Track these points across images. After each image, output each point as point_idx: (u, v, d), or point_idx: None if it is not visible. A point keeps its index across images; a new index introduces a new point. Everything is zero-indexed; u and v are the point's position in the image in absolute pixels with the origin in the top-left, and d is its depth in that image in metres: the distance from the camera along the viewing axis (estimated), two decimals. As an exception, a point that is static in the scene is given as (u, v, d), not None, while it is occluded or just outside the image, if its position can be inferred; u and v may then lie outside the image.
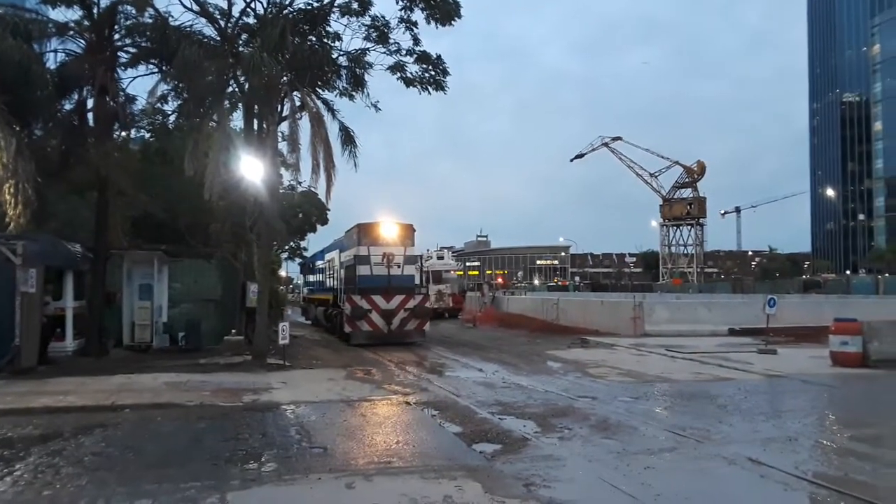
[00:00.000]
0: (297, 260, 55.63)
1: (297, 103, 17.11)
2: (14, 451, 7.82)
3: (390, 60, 19.54)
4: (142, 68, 18.28)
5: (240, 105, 19.45)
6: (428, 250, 56.82)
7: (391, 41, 19.41)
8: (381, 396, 11.90)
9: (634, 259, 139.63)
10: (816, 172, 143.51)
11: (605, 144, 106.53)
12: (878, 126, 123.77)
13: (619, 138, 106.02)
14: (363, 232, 21.91)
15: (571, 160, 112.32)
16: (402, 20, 19.08)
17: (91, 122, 17.77)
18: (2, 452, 7.73)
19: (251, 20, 19.37)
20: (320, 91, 18.92)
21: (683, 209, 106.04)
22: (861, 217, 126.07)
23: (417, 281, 22.48)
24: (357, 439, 8.60)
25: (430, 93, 19.92)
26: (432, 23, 18.56)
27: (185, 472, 6.90)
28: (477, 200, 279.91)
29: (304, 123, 16.80)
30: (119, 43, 17.84)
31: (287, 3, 18.87)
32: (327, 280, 27.93)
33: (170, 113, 20.93)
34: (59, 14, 17.45)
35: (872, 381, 13.68)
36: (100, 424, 9.26)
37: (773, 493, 6.48)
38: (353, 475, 6.81)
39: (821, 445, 8.38)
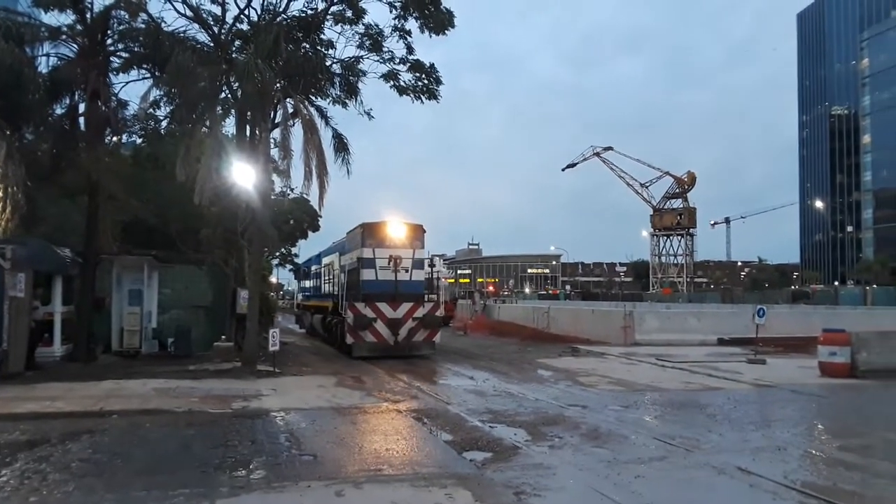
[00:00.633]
0: (288, 266, 55.63)
1: (290, 110, 17.14)
2: (0, 456, 7.75)
3: (384, 69, 19.63)
4: (134, 73, 18.29)
5: (232, 111, 19.45)
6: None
7: (385, 49, 19.51)
8: (372, 404, 11.86)
9: (625, 268, 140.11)
10: (805, 184, 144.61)
11: (597, 154, 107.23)
12: (866, 139, 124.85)
13: (610, 148, 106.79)
14: (368, 232, 19.91)
15: (563, 170, 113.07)
16: (395, 29, 19.18)
17: (83, 127, 17.75)
18: (-12, 458, 7.65)
19: (245, 26, 19.43)
20: (313, 98, 18.96)
21: (673, 219, 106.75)
22: (849, 229, 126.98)
23: (427, 287, 20.56)
24: (347, 447, 8.57)
25: (422, 101, 19.99)
26: (426, 32, 18.65)
27: (174, 479, 6.85)
28: (468, 208, 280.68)
29: (297, 130, 16.83)
30: (112, 48, 17.81)
31: (281, 10, 18.95)
32: (325, 285, 26.09)
33: (162, 118, 20.94)
34: (52, 18, 17.44)
35: (861, 392, 13.76)
36: (87, 430, 9.18)
37: (762, 503, 6.49)
38: (342, 483, 6.78)
39: (809, 455, 8.42)
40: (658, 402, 12.51)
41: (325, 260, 26.56)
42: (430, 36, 18.80)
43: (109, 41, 17.73)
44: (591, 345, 22.79)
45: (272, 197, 22.77)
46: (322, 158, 16.52)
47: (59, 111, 17.79)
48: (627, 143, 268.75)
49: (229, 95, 18.79)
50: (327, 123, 18.39)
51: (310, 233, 45.54)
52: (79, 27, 17.40)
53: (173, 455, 8.06)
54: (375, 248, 19.61)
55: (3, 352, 13.44)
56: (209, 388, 13.07)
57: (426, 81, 19.65)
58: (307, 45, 19.25)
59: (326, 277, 25.62)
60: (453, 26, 18.77)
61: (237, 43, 19.83)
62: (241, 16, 19.23)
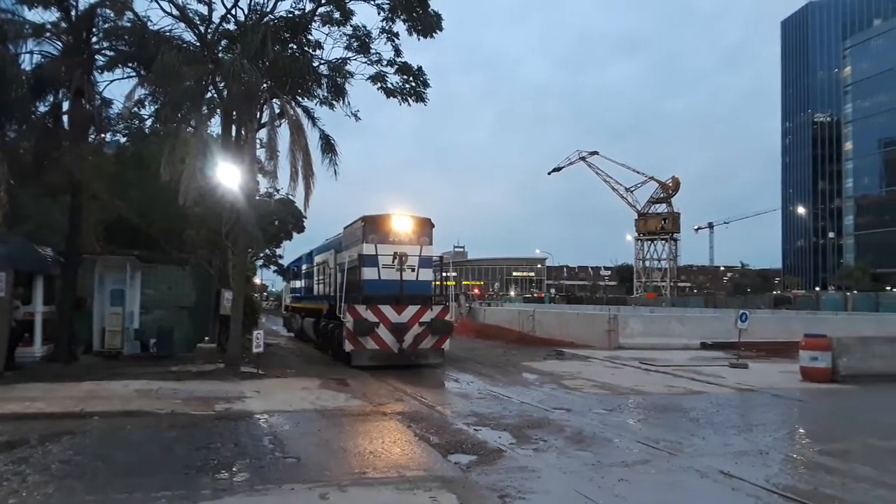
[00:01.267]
0: (273, 268, 55.43)
1: (277, 111, 17.05)
2: (-21, 458, 7.64)
3: (371, 70, 19.61)
4: (119, 72, 18.10)
5: (218, 111, 19.36)
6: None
7: (372, 51, 19.49)
8: (356, 406, 11.81)
9: (609, 272, 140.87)
10: (788, 190, 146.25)
11: (583, 159, 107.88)
12: (848, 146, 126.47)
13: (595, 153, 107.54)
14: (370, 226, 17.92)
15: (549, 173, 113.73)
16: (383, 31, 19.16)
17: (66, 125, 17.55)
18: (-34, 460, 7.54)
19: (231, 26, 19.37)
20: (300, 99, 18.87)
21: (658, 224, 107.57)
22: (831, 235, 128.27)
23: (436, 288, 18.97)
24: (331, 450, 8.53)
25: (409, 104, 20.00)
26: (414, 34, 18.65)
27: (156, 481, 6.79)
28: (455, 211, 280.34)
29: (283, 131, 16.75)
30: (97, 46, 17.66)
31: (268, 10, 18.89)
32: (318, 286, 23.88)
33: (146, 117, 20.79)
34: (36, 15, 17.24)
35: (841, 397, 13.90)
36: (68, 432, 9.08)
37: (744, 506, 6.54)
38: (327, 486, 6.74)
39: (791, 459, 8.49)
40: (642, 405, 12.58)
41: (318, 258, 24.52)
42: (419, 38, 18.83)
43: (94, 39, 17.58)
44: (576, 348, 22.87)
45: (257, 198, 22.65)
46: (308, 159, 16.46)
47: (42, 109, 17.56)
48: (617, 148, 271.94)
49: (215, 95, 18.69)
50: (314, 124, 18.32)
51: (294, 234, 45.54)
52: (63, 25, 17.23)
53: (155, 457, 7.99)
54: (378, 243, 17.70)
55: (-18, 352, 13.26)
56: (192, 389, 12.97)
57: (414, 84, 19.65)
58: (294, 46, 19.19)
59: (320, 277, 23.71)
60: (441, 29, 18.79)
61: (223, 43, 19.77)
62: (228, 15, 19.20)
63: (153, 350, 18.34)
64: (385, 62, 19.54)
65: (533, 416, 10.97)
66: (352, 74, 19.61)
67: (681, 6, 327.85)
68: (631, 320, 25.86)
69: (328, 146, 18.45)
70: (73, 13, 17.20)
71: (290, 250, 51.17)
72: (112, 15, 17.43)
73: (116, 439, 8.92)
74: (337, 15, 19.06)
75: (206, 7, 18.77)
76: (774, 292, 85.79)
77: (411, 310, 17.46)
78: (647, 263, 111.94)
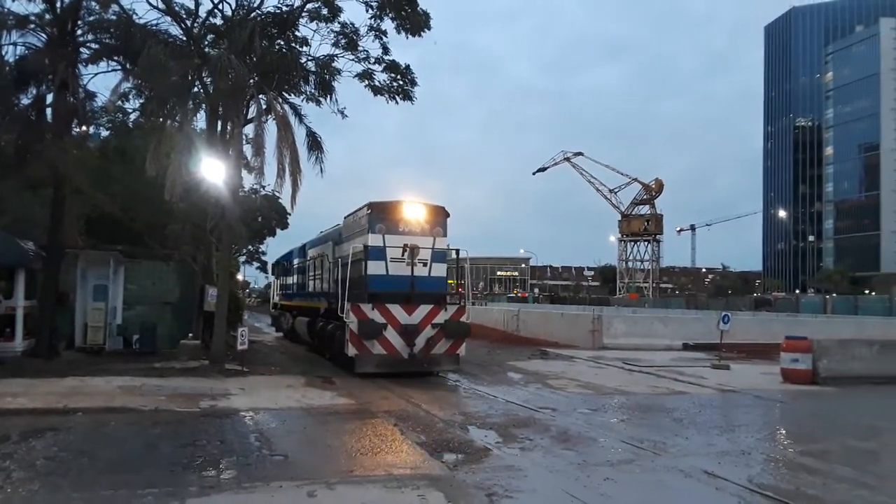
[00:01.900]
0: (255, 264, 55.15)
1: (264, 106, 16.96)
2: (-39, 454, 7.56)
3: (359, 68, 19.52)
4: (104, 65, 17.86)
5: (204, 106, 19.21)
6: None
7: (360, 49, 19.39)
8: (342, 404, 11.81)
9: (592, 273, 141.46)
10: (769, 193, 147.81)
11: (567, 159, 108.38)
12: (829, 151, 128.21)
13: (580, 153, 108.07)
14: (377, 214, 15.89)
15: (534, 173, 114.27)
16: (371, 28, 19.08)
17: (49, 118, 17.34)
18: (-52, 456, 7.46)
19: (218, 21, 19.21)
20: (287, 95, 18.77)
21: (641, 225, 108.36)
22: (811, 238, 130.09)
23: (450, 285, 17.13)
24: (318, 447, 8.54)
25: (397, 102, 19.94)
26: (402, 33, 18.62)
27: (142, 479, 6.75)
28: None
29: (269, 127, 16.65)
30: (82, 39, 17.42)
31: (256, 5, 18.77)
32: (313, 282, 21.82)
33: (130, 111, 20.57)
34: (20, 6, 17.08)
35: (822, 398, 14.10)
36: (51, 428, 9.00)
37: (728, 506, 6.64)
38: (314, 484, 6.74)
39: (773, 459, 8.61)
40: (626, 405, 12.69)
41: (313, 252, 22.45)
42: (407, 37, 18.79)
43: (79, 32, 17.34)
44: (560, 348, 22.98)
45: (241, 194, 22.51)
46: (296, 156, 16.37)
47: (25, 101, 17.36)
48: (602, 150, 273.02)
49: (201, 90, 18.55)
50: (301, 121, 18.19)
51: (278, 230, 45.38)
52: (48, 16, 17.02)
53: (140, 454, 7.94)
54: (386, 234, 15.68)
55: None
56: (176, 386, 12.88)
57: (402, 82, 19.61)
58: (282, 42, 19.08)
59: (314, 273, 21.68)
60: (429, 28, 18.76)
61: (210, 37, 19.60)
62: (215, 10, 19.05)
63: (136, 346, 18.19)
64: (373, 60, 19.48)
65: (519, 416, 11.03)
66: (339, 72, 19.53)
67: (668, 11, 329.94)
68: (615, 321, 26.03)
69: (314, 143, 18.35)
70: (58, 5, 16.95)
71: (273, 247, 51.03)
72: (97, 7, 17.24)
73: (101, 436, 8.86)
74: (325, 11, 18.97)
75: (192, 1, 18.64)
76: (755, 294, 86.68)
77: (423, 310, 15.53)
78: (630, 264, 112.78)
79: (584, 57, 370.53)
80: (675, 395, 13.87)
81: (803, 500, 6.66)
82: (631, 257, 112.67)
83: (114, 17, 17.25)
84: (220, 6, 18.87)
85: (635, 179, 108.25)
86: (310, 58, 19.39)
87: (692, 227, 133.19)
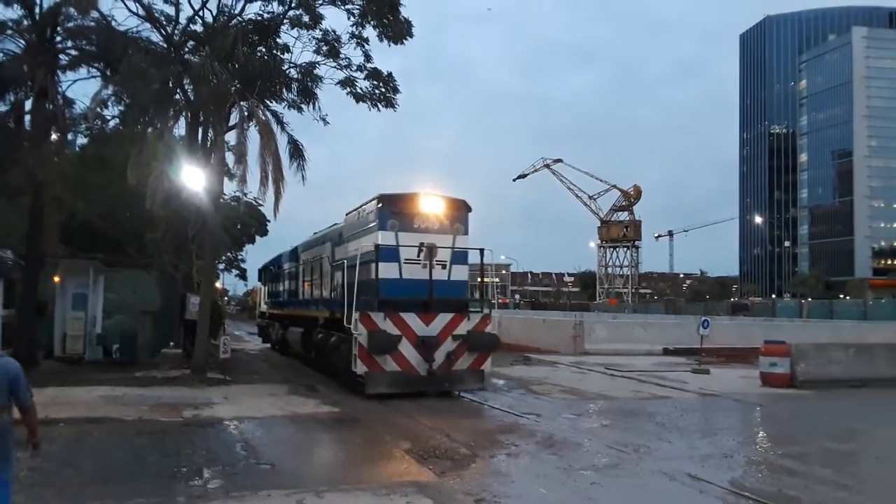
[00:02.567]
0: (234, 272, 54.82)
1: (246, 114, 16.92)
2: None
3: (341, 75, 19.49)
4: (83, 71, 17.77)
5: (184, 113, 19.10)
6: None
7: (342, 56, 19.37)
8: (326, 412, 11.79)
9: (573, 279, 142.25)
10: (745, 199, 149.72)
11: (547, 166, 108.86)
12: (803, 157, 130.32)
13: (559, 160, 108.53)
14: (388, 208, 13.77)
15: (514, 180, 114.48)
16: (353, 36, 19.08)
17: (28, 125, 17.17)
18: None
19: (199, 28, 19.14)
20: (269, 102, 18.73)
21: (620, 231, 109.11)
22: (786, 244, 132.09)
23: (474, 291, 15.27)
24: (305, 455, 8.53)
25: (379, 109, 19.94)
26: (385, 41, 18.65)
27: (128, 489, 6.71)
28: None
29: (251, 135, 16.60)
30: (61, 45, 17.31)
31: (237, 12, 18.71)
32: (307, 288, 19.82)
33: (109, 118, 20.39)
34: (-3, 13, 16.85)
35: (800, 402, 14.33)
36: (33, 439, 8.88)
37: (712, 508, 6.74)
38: (303, 492, 6.72)
39: (755, 462, 8.76)
40: (609, 410, 12.81)
41: (307, 255, 20.31)
42: (389, 45, 18.83)
43: (59, 38, 17.23)
44: (543, 353, 23.10)
45: (222, 201, 22.39)
46: (279, 164, 16.33)
47: (3, 108, 17.20)
48: (579, 156, 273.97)
49: (182, 98, 18.45)
50: (283, 129, 18.14)
51: (258, 237, 45.25)
52: (26, 22, 16.88)
53: (125, 464, 7.88)
54: (399, 231, 13.63)
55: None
56: (158, 395, 12.78)
57: (384, 90, 19.62)
58: (263, 49, 19.05)
59: (309, 277, 19.62)
60: (412, 36, 18.77)
61: (190, 44, 19.52)
62: (196, 17, 18.96)
63: (116, 355, 17.99)
64: (355, 67, 19.49)
65: (504, 422, 11.10)
66: (321, 79, 19.52)
67: (641, 18, 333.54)
68: (596, 326, 26.22)
69: (296, 151, 18.32)
70: (36, 11, 16.84)
71: (252, 254, 50.78)
72: (76, 14, 17.10)
73: (84, 446, 8.77)
74: (307, 18, 18.92)
75: (172, 7, 18.55)
76: (732, 299, 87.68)
77: (443, 319, 13.46)
78: (610, 270, 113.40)
79: (556, 62, 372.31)
80: (657, 399, 14.01)
81: (785, 502, 6.80)
82: (610, 263, 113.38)
83: (93, 24, 17.10)
84: (200, 13, 18.80)
85: (614, 186, 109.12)
86: (292, 65, 19.39)
87: (670, 233, 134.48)
